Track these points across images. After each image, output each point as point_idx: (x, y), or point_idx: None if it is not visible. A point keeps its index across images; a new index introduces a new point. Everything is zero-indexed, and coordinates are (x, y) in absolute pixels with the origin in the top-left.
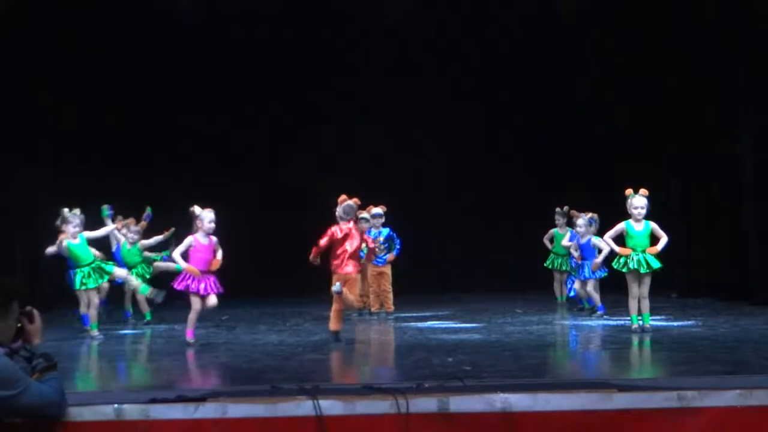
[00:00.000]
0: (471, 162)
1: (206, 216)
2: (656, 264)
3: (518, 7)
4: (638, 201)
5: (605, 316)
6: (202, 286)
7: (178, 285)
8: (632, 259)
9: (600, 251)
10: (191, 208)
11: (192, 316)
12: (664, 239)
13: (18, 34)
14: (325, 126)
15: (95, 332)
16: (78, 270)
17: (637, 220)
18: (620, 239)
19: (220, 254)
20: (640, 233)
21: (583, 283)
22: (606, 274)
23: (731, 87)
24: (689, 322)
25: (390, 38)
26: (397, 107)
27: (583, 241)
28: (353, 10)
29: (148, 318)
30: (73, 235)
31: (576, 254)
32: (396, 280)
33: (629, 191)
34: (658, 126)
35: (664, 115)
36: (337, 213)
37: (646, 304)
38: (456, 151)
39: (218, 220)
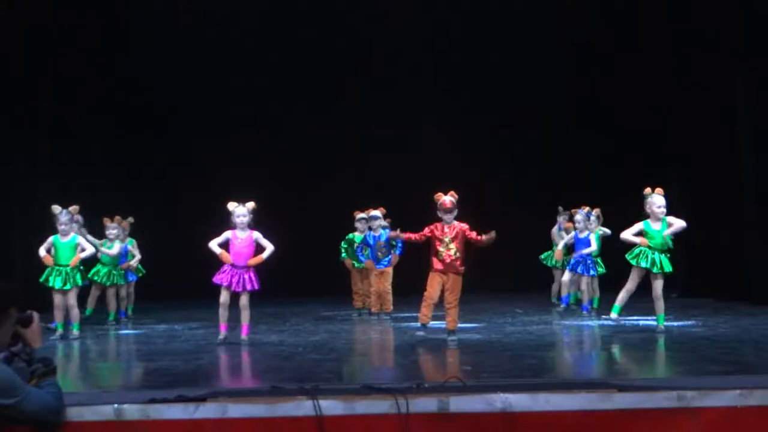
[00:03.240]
0: (471, 162)
1: (235, 211)
2: (668, 267)
3: (520, 7)
4: (659, 200)
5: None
6: (234, 280)
7: (213, 278)
8: (646, 256)
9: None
10: (228, 204)
11: (220, 312)
12: (681, 223)
13: (18, 35)
14: (326, 127)
15: (60, 331)
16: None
17: (658, 219)
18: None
19: (267, 251)
20: (659, 232)
21: (579, 276)
22: (603, 271)
23: (731, 87)
24: (689, 322)
25: (393, 41)
26: (399, 108)
27: (582, 236)
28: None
29: (88, 313)
30: (63, 233)
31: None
32: (397, 280)
33: (648, 190)
34: (658, 126)
35: (664, 115)
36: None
37: (660, 305)
38: (456, 151)
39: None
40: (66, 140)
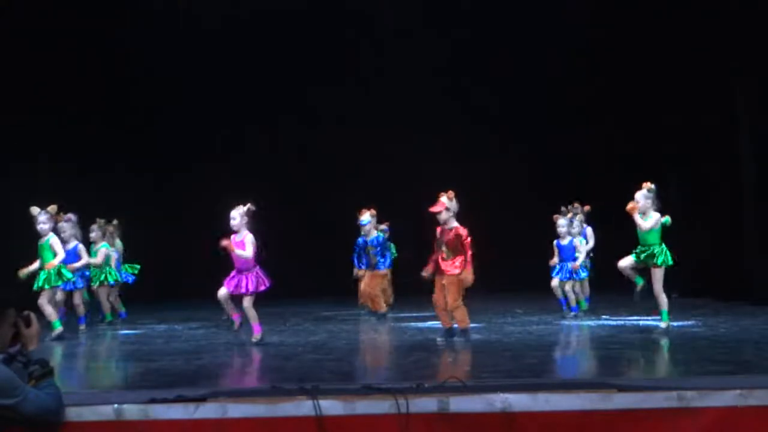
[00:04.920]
0: (470, 161)
1: (231, 213)
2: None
3: (521, 8)
4: (637, 195)
5: (599, 316)
6: (233, 283)
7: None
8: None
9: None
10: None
11: (223, 305)
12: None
13: (17, 34)
14: (322, 127)
15: (58, 330)
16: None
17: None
18: None
19: (244, 252)
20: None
21: (562, 283)
22: (588, 275)
23: (731, 87)
24: (689, 322)
25: (393, 39)
26: (398, 111)
27: (564, 242)
28: (362, 10)
29: (109, 318)
30: (42, 233)
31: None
32: (397, 279)
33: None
34: (658, 126)
35: (664, 115)
36: (453, 209)
37: (658, 301)
38: (456, 151)
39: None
40: (65, 145)
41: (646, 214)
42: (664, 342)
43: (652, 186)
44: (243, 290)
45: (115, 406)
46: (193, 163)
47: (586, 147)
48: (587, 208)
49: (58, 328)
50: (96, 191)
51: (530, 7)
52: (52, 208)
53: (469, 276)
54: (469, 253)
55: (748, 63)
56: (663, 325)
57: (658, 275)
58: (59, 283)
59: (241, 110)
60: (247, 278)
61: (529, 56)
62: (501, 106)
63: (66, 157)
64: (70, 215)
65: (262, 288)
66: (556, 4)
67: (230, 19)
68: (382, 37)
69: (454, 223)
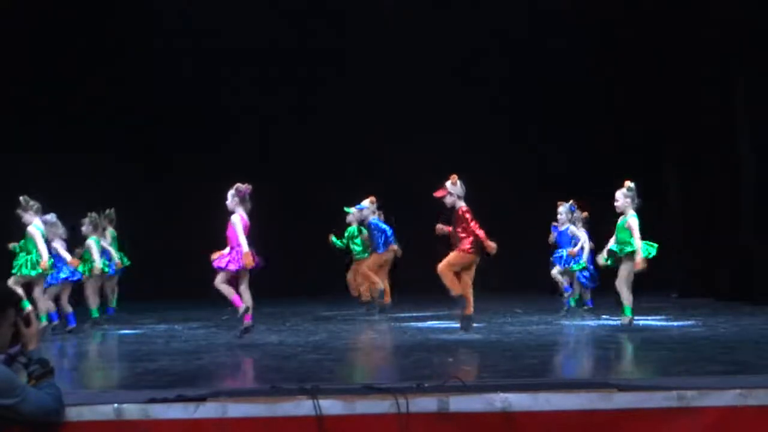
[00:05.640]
0: (471, 160)
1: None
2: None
3: (522, 6)
4: (617, 194)
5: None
6: (222, 257)
7: None
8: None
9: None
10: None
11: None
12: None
13: (17, 34)
14: (322, 123)
15: (44, 323)
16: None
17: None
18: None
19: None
20: (620, 225)
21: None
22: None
23: (731, 87)
24: (689, 322)
25: (392, 35)
26: (398, 107)
27: (562, 229)
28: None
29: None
30: (28, 222)
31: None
32: (397, 279)
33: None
34: (658, 125)
35: (663, 114)
36: (456, 193)
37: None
38: (456, 150)
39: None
40: (65, 140)
41: (625, 213)
42: (664, 342)
43: (632, 185)
44: (215, 263)
45: (115, 405)
46: (192, 161)
47: (586, 147)
48: (585, 214)
49: (42, 323)
50: (95, 191)
51: (531, 5)
52: (22, 199)
53: (490, 244)
54: (473, 223)
55: (748, 62)
56: (625, 320)
57: (623, 271)
58: (32, 273)
59: (240, 109)
60: (227, 254)
61: (529, 55)
62: (502, 105)
63: (64, 155)
64: (47, 216)
65: (231, 267)
66: (556, 3)
67: (228, 18)
68: (383, 31)
69: (460, 204)
